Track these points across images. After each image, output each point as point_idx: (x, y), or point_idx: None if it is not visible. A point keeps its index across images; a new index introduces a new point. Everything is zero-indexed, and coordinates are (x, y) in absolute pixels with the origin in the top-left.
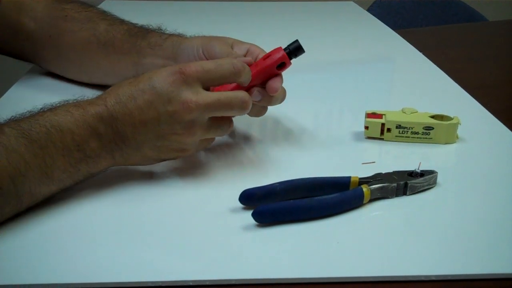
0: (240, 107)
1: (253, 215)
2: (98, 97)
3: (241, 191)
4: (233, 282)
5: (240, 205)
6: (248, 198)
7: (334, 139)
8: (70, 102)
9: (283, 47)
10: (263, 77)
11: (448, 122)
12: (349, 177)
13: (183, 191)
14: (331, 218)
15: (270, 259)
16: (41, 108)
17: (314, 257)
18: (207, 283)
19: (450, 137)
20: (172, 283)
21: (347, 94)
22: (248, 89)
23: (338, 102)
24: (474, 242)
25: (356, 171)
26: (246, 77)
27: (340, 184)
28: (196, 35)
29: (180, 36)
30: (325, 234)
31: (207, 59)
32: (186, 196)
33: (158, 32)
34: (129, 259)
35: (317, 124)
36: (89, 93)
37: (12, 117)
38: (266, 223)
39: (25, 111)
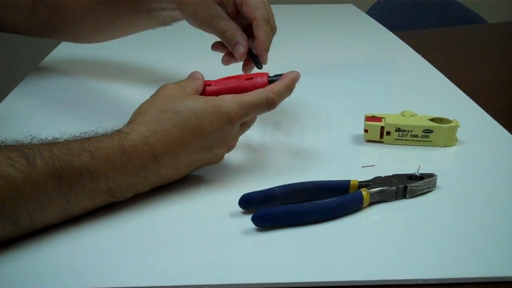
0: (270, 109)
1: (253, 219)
2: (143, 140)
3: (240, 195)
4: (232, 287)
5: (239, 209)
6: (248, 202)
7: (333, 142)
8: (115, 138)
9: (270, 75)
10: (238, 93)
11: (448, 125)
12: (349, 181)
13: (182, 196)
14: (331, 222)
15: (270, 263)
16: (80, 139)
17: (314, 261)
18: (207, 287)
19: (449, 140)
20: (172, 287)
21: (346, 97)
22: (214, 94)
23: (337, 105)
24: (474, 245)
25: (356, 174)
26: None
27: (339, 188)
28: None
29: None
30: (325, 238)
31: (220, 9)
32: (185, 200)
33: None
34: (127, 263)
35: (316, 127)
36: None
37: (47, 143)
38: (265, 227)
39: (60, 137)
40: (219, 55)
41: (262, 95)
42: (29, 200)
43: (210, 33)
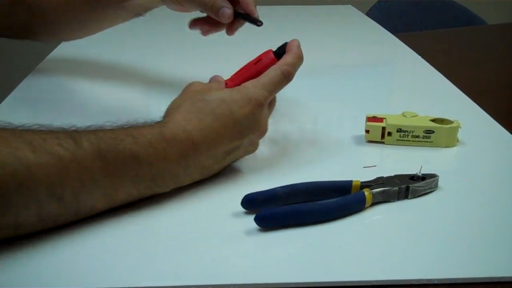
0: (288, 81)
1: (256, 219)
2: (180, 127)
3: (243, 196)
4: (236, 287)
5: (242, 209)
6: (250, 203)
7: (334, 143)
8: (155, 126)
9: (273, 50)
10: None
11: (449, 125)
12: (351, 181)
13: (185, 196)
14: (333, 222)
15: (273, 264)
16: (122, 126)
17: (317, 261)
18: (210, 287)
19: (450, 140)
20: (175, 287)
21: (347, 97)
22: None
23: (337, 106)
24: (476, 245)
25: (357, 175)
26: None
27: (341, 188)
28: None
29: None
30: (328, 238)
31: None
32: (188, 201)
33: None
34: (130, 263)
35: (317, 128)
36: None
37: (93, 128)
38: (268, 227)
39: (106, 122)
40: (218, 56)
41: (277, 71)
42: (75, 179)
43: (190, 10)
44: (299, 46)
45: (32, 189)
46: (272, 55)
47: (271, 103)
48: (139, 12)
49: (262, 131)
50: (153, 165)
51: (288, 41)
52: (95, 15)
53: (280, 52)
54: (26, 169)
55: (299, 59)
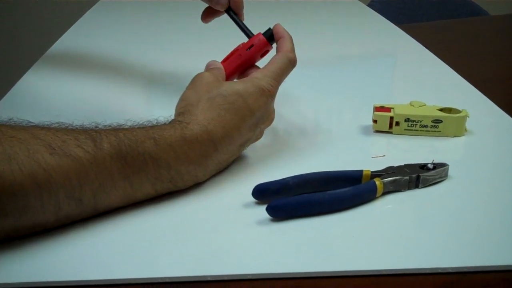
0: (293, 66)
1: (268, 209)
2: (202, 128)
3: (253, 186)
4: (249, 277)
5: (253, 199)
6: (262, 193)
7: (342, 133)
8: (176, 127)
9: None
10: (247, 66)
11: (457, 115)
12: (361, 171)
13: (195, 188)
14: (345, 212)
15: (286, 253)
16: (143, 125)
17: (330, 251)
18: (225, 278)
19: (458, 130)
20: (190, 278)
21: (352, 89)
22: (229, 77)
23: (343, 97)
24: (487, 233)
25: (366, 164)
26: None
27: (352, 178)
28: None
29: None
30: (340, 228)
31: None
32: (199, 192)
33: None
34: (143, 255)
35: (325, 119)
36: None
37: (113, 128)
38: (280, 218)
39: (129, 121)
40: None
41: (284, 59)
42: (94, 181)
43: None
44: (285, 29)
45: (51, 192)
46: (264, 38)
47: None
48: None
49: (271, 119)
50: (173, 168)
51: (270, 27)
52: None
53: (268, 36)
54: (45, 172)
55: (292, 41)
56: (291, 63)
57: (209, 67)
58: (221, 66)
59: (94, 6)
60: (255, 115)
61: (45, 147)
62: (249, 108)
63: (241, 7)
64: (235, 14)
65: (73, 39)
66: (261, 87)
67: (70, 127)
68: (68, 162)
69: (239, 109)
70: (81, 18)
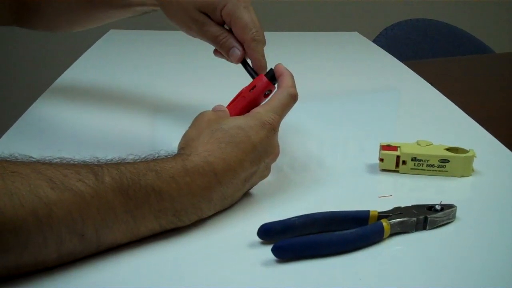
0: (295, 101)
1: (273, 250)
2: (203, 159)
3: (258, 226)
4: None
5: (258, 239)
6: (267, 233)
7: (348, 171)
8: (178, 159)
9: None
10: (251, 107)
11: (464, 155)
12: (368, 211)
13: (200, 227)
14: (352, 253)
15: None
16: (146, 159)
17: None
18: None
19: (466, 170)
20: None
21: (357, 125)
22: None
23: (348, 133)
24: (497, 277)
25: (373, 204)
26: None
27: (359, 218)
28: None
29: None
30: (346, 270)
31: (206, 18)
32: (204, 232)
33: None
34: None
35: (330, 155)
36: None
37: (114, 161)
38: (286, 259)
39: (129, 155)
40: (220, 79)
41: (285, 94)
42: (96, 215)
43: (201, 39)
44: (285, 67)
45: (52, 227)
46: (265, 79)
47: None
48: (140, 13)
49: (276, 154)
50: (176, 200)
51: (271, 67)
52: (96, 14)
53: (270, 77)
54: (46, 207)
55: (293, 78)
56: (292, 97)
57: (214, 110)
58: (225, 108)
59: (103, 36)
60: (257, 148)
61: (47, 182)
62: (250, 141)
63: (262, 68)
64: (252, 70)
65: (81, 70)
66: (262, 121)
67: (71, 162)
68: (69, 196)
69: (240, 142)
70: (89, 48)
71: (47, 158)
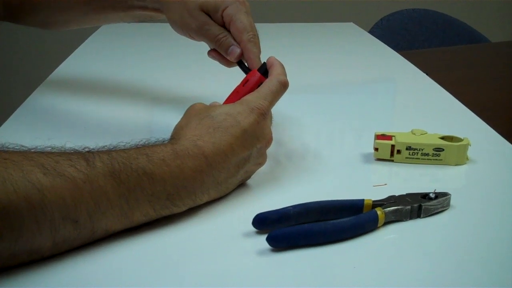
0: (285, 88)
1: (268, 239)
2: (192, 143)
3: (253, 215)
4: None
5: (253, 229)
6: (262, 222)
7: (343, 160)
8: (167, 144)
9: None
10: None
11: (459, 143)
12: (363, 200)
13: (195, 216)
14: (346, 242)
15: (287, 284)
16: (136, 145)
17: (331, 282)
18: None
19: (460, 158)
20: None
21: (352, 115)
22: None
23: (343, 123)
24: (491, 264)
25: (368, 193)
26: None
27: (353, 207)
28: None
29: None
30: (342, 258)
31: (207, 17)
32: (199, 221)
33: None
34: (138, 283)
35: (326, 145)
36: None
37: (106, 148)
38: (281, 248)
39: (120, 142)
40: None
41: (274, 81)
42: (89, 200)
43: (196, 40)
44: (276, 59)
45: (45, 213)
46: (258, 73)
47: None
48: (144, 20)
49: (268, 140)
50: (168, 183)
51: (264, 61)
52: (95, 15)
53: (263, 71)
54: (39, 192)
55: (283, 67)
56: (282, 84)
57: None
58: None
59: (98, 30)
60: (247, 133)
61: (38, 168)
62: (239, 126)
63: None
64: (247, 69)
65: (75, 64)
66: (251, 106)
67: (62, 150)
68: (61, 182)
69: (229, 127)
70: (84, 42)
71: (38, 147)
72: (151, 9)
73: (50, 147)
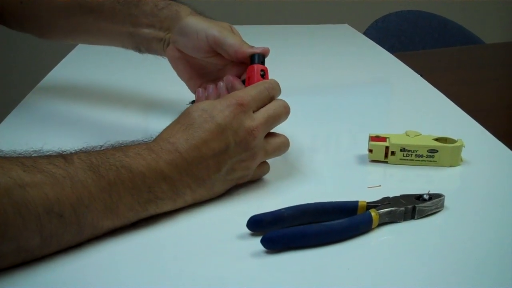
0: (285, 112)
1: (262, 241)
2: (165, 141)
3: (248, 217)
4: None
5: (247, 231)
6: (256, 224)
7: (338, 162)
8: (141, 143)
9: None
10: None
11: (452, 144)
12: (357, 202)
13: (189, 218)
14: (340, 243)
15: (282, 286)
16: (112, 145)
17: (325, 284)
18: None
19: (454, 160)
20: None
21: (346, 117)
22: None
23: (337, 125)
24: (485, 265)
25: (362, 194)
26: (279, 93)
27: (348, 209)
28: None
29: (176, 10)
30: (336, 260)
31: (210, 44)
32: (193, 222)
33: (151, 0)
34: (132, 285)
35: (320, 147)
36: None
37: (83, 149)
38: (275, 249)
39: (96, 145)
40: None
41: (262, 85)
42: (71, 194)
43: (204, 57)
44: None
45: (29, 208)
46: (254, 66)
47: (282, 141)
48: (141, 51)
49: (249, 132)
50: (147, 175)
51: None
52: (95, 33)
53: (257, 61)
54: (20, 188)
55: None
56: (268, 92)
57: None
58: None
59: None
60: (222, 126)
61: (18, 166)
62: (213, 120)
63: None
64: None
65: (69, 67)
66: (228, 100)
67: (40, 153)
68: (42, 178)
69: (203, 122)
70: (77, 46)
71: (17, 151)
72: (158, 28)
73: (27, 152)
